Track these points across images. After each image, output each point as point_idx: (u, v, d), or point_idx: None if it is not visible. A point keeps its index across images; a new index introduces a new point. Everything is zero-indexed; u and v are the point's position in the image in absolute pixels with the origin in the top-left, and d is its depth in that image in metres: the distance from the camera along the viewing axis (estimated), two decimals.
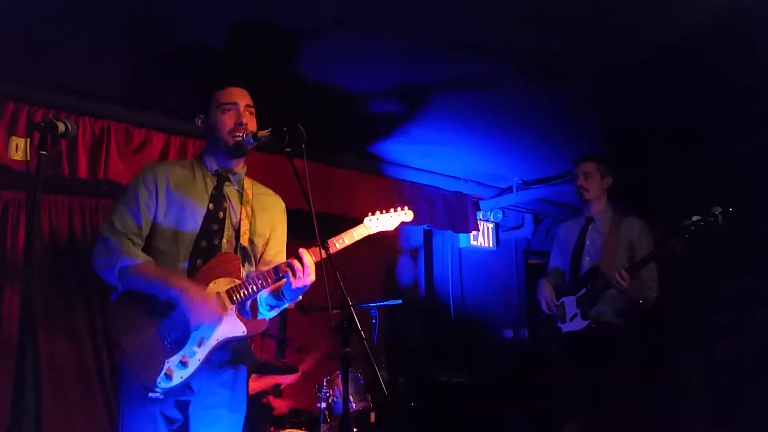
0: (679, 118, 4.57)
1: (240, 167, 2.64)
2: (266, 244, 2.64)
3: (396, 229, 2.82)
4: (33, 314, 2.42)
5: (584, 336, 3.82)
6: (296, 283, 2.38)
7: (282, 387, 4.61)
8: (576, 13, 3.13)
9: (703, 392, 5.11)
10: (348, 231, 2.64)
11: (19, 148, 3.52)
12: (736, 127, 4.71)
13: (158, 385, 2.26)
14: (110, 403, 4.19)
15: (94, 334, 4.27)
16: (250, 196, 2.62)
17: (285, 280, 2.41)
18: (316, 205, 2.31)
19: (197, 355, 2.32)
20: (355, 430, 4.15)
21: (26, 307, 2.21)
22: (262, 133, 2.47)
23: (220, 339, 2.37)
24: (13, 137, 3.53)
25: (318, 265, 2.43)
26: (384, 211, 2.76)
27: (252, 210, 2.59)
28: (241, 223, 2.53)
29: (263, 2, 2.99)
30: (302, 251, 2.41)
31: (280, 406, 4.62)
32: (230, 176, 2.60)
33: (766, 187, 4.82)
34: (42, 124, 2.19)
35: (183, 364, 2.30)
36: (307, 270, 2.38)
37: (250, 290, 2.43)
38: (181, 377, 2.30)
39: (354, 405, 4.20)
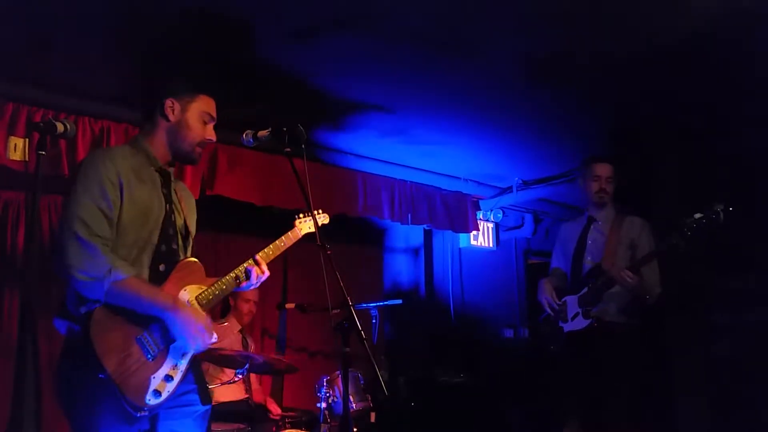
0: (680, 117, 4.57)
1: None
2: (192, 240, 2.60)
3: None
4: (33, 314, 2.35)
5: (586, 335, 3.82)
6: (248, 287, 2.53)
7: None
8: (576, 12, 3.13)
9: (703, 392, 5.11)
10: (285, 235, 2.75)
11: (18, 149, 3.53)
12: (737, 126, 4.71)
13: (147, 403, 2.15)
14: None
15: None
16: (182, 194, 2.55)
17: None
18: (315, 204, 2.32)
19: (180, 366, 2.26)
20: (355, 430, 4.15)
21: (26, 307, 2.21)
22: (262, 132, 2.46)
23: (200, 348, 2.30)
24: (12, 137, 3.53)
25: (318, 266, 2.43)
26: (307, 215, 2.92)
27: (183, 208, 2.52)
28: (186, 223, 2.49)
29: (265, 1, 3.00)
30: (260, 258, 2.53)
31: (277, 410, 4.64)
32: (170, 172, 2.49)
33: (766, 185, 4.82)
34: (41, 125, 2.19)
35: (169, 377, 2.22)
36: (264, 278, 2.53)
37: (217, 294, 2.41)
38: (168, 391, 2.21)
39: (354, 405, 4.20)
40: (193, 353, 2.28)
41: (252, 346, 4.72)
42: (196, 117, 2.42)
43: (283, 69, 3.64)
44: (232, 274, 2.46)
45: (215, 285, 2.42)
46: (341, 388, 4.00)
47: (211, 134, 2.47)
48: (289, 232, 2.78)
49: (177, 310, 2.21)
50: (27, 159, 3.49)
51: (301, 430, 4.19)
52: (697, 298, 5.17)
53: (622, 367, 3.75)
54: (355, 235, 5.73)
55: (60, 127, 2.19)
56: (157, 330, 2.22)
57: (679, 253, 3.58)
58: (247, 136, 2.49)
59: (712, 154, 5.02)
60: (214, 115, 2.49)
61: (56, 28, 3.12)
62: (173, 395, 2.25)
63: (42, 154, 2.16)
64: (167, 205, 2.38)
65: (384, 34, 3.31)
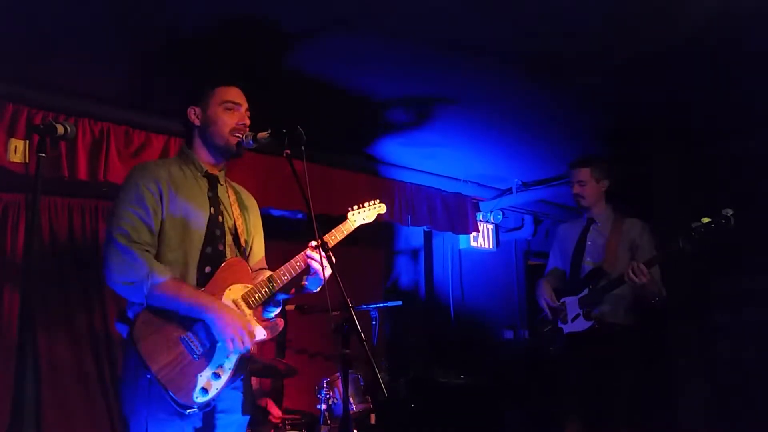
0: (680, 118, 4.57)
1: (223, 166, 2.59)
2: (252, 242, 2.63)
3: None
4: (33, 315, 2.37)
5: (587, 336, 3.81)
6: (323, 273, 2.42)
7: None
8: (576, 13, 3.13)
9: (704, 391, 5.11)
10: (337, 227, 2.69)
11: (18, 150, 3.53)
12: (737, 127, 4.72)
13: (195, 400, 2.21)
14: (111, 403, 4.19)
15: (93, 335, 4.27)
16: (235, 196, 2.61)
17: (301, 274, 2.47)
18: (315, 206, 2.32)
19: (227, 364, 2.30)
20: (355, 431, 4.15)
21: (26, 308, 2.21)
22: (262, 134, 2.46)
23: (239, 349, 2.33)
24: (13, 139, 3.53)
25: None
26: (361, 206, 2.85)
27: (239, 210, 2.58)
28: (236, 224, 2.52)
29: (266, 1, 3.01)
30: (312, 246, 2.46)
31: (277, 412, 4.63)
32: (218, 176, 2.56)
33: (766, 185, 4.82)
34: (41, 127, 2.19)
35: (216, 375, 2.27)
36: (326, 259, 2.42)
37: (264, 292, 2.43)
38: (216, 389, 2.27)
39: (354, 406, 4.20)
40: (239, 353, 2.32)
41: (252, 348, 4.71)
42: (217, 109, 2.49)
43: (282, 66, 3.65)
44: (281, 272, 2.47)
45: (262, 283, 2.44)
46: (341, 390, 4.00)
47: (241, 118, 2.51)
48: (341, 225, 2.71)
49: (216, 311, 2.26)
50: (27, 161, 3.49)
51: (301, 431, 4.19)
52: (698, 298, 5.17)
53: (623, 368, 3.75)
54: (355, 236, 5.72)
55: (60, 129, 2.20)
56: (202, 330, 2.28)
57: (684, 256, 3.56)
58: (246, 138, 2.49)
59: (712, 155, 5.02)
60: (238, 100, 2.53)
61: (56, 29, 3.12)
62: (222, 394, 2.30)
63: (42, 156, 2.17)
64: (212, 208, 2.45)
65: (383, 34, 3.31)
